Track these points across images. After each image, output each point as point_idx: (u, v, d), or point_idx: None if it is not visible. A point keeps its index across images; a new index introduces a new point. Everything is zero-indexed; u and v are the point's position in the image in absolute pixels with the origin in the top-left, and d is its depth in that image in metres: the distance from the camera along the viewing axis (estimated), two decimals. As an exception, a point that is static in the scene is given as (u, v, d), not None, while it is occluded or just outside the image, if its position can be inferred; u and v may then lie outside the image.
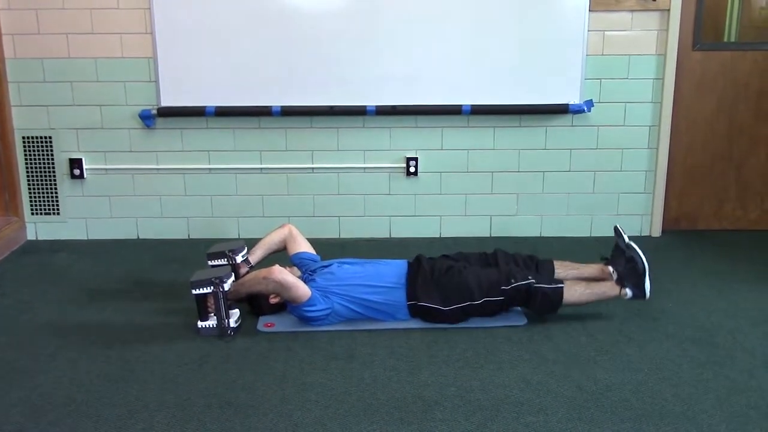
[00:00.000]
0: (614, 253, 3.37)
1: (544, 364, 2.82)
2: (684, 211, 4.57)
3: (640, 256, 3.21)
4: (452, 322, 3.17)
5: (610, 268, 3.33)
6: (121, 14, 4.10)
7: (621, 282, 3.22)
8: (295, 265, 3.45)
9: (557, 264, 3.41)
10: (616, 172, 4.39)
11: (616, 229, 3.41)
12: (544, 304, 3.16)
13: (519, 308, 3.30)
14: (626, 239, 3.32)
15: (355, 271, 3.27)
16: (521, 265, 3.34)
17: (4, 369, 2.80)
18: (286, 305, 3.19)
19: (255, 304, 3.24)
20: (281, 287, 3.05)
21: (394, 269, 3.27)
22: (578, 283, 3.24)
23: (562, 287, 3.16)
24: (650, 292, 3.18)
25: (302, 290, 3.06)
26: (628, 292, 3.18)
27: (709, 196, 4.55)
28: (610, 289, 3.22)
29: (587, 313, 3.28)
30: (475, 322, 3.17)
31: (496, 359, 2.86)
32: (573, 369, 2.78)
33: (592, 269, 3.41)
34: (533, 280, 3.14)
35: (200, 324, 3.09)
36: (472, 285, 3.15)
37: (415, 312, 3.18)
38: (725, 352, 2.93)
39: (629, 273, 3.22)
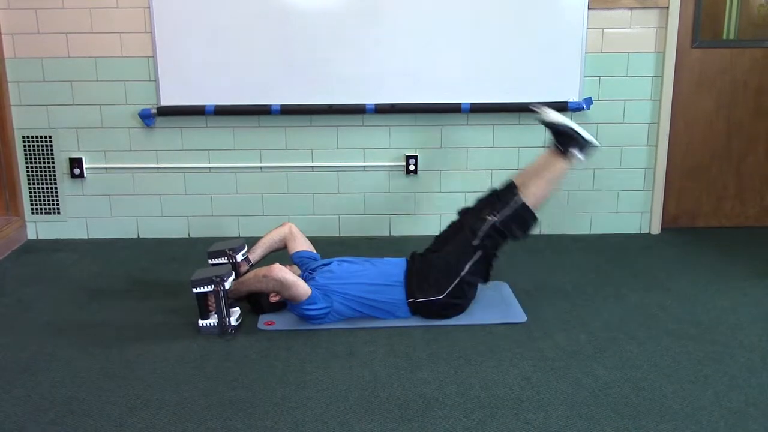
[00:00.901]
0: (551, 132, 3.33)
1: (543, 362, 2.82)
2: (683, 209, 4.57)
3: (560, 123, 3.20)
4: (455, 310, 3.18)
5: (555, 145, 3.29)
6: (120, 13, 4.11)
7: (563, 151, 3.20)
8: (295, 264, 3.46)
9: (517, 178, 3.34)
10: (615, 169, 4.40)
11: (532, 110, 3.34)
12: (520, 227, 3.16)
13: (519, 305, 3.32)
14: (543, 116, 3.27)
15: (355, 270, 3.28)
16: (484, 208, 3.27)
17: (4, 367, 2.80)
18: (287, 304, 3.20)
19: (255, 302, 3.24)
20: (281, 286, 3.06)
21: (394, 267, 3.28)
22: (533, 182, 3.20)
23: (522, 201, 3.15)
24: (592, 137, 3.20)
25: (302, 289, 3.07)
26: (576, 153, 3.18)
27: (708, 193, 4.55)
28: (559, 163, 3.21)
29: (586, 310, 3.30)
30: (474, 319, 3.18)
31: (496, 357, 2.87)
32: (573, 366, 2.78)
33: (544, 158, 3.33)
34: (494, 218, 3.13)
35: (201, 322, 3.09)
36: (451, 259, 3.16)
37: (416, 309, 3.18)
38: (724, 348, 2.94)
39: (564, 140, 3.21)
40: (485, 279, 3.26)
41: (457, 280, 3.14)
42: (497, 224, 3.13)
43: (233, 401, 2.55)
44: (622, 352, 2.91)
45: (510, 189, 3.29)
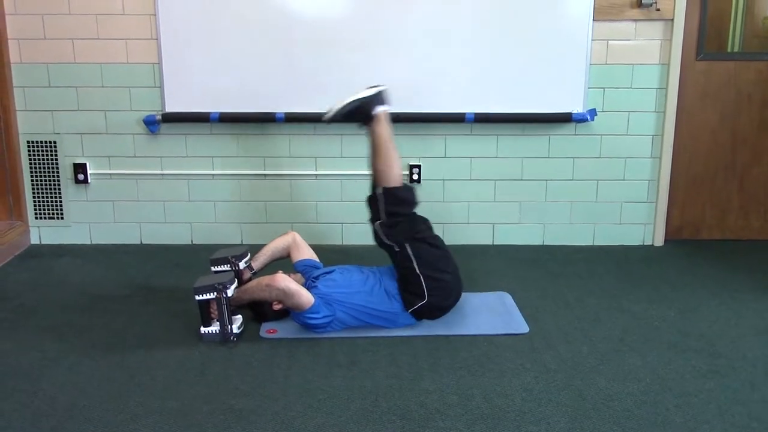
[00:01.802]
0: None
1: (545, 373, 2.82)
2: (687, 221, 4.57)
3: (344, 106, 3.20)
4: (447, 298, 3.23)
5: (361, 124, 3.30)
6: (126, 20, 4.12)
7: (370, 121, 3.21)
8: (298, 272, 3.45)
9: (371, 174, 3.35)
10: (619, 181, 4.39)
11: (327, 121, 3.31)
12: (400, 205, 3.21)
13: (521, 316, 3.31)
14: (329, 116, 3.24)
15: (357, 279, 3.28)
16: (372, 222, 3.32)
17: (6, 373, 2.81)
18: (290, 312, 3.20)
19: (258, 310, 3.24)
20: (284, 294, 3.06)
21: (393, 276, 3.28)
22: (377, 167, 3.23)
23: (381, 190, 3.21)
24: (373, 88, 3.21)
25: (305, 297, 3.06)
26: (378, 111, 3.19)
27: (711, 205, 4.55)
28: (378, 131, 3.21)
29: (589, 322, 3.29)
30: (476, 330, 3.18)
31: (498, 367, 2.86)
32: (575, 378, 2.78)
33: (373, 140, 3.28)
34: (377, 222, 3.22)
35: (203, 330, 3.09)
36: (401, 272, 3.20)
37: (418, 316, 3.21)
38: (727, 362, 2.93)
39: (362, 113, 3.21)
40: (437, 246, 3.25)
41: (421, 279, 3.16)
42: (385, 223, 3.19)
43: (234, 409, 2.54)
44: (625, 364, 2.90)
45: (372, 189, 3.32)
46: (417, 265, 3.16)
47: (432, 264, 3.19)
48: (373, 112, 3.21)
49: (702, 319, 3.36)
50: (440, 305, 3.23)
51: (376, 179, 3.26)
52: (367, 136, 3.31)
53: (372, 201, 3.31)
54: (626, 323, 3.30)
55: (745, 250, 4.40)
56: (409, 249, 3.17)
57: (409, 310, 3.18)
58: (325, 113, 3.27)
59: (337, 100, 3.25)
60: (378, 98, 3.22)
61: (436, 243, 3.26)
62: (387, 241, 3.20)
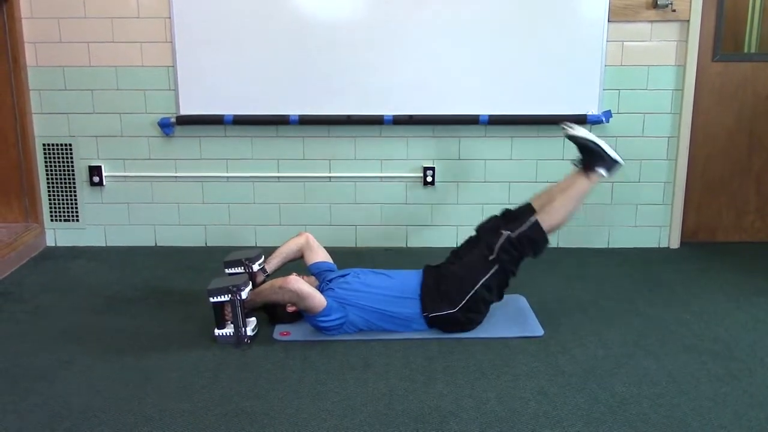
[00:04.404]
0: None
1: (560, 376, 2.80)
2: (703, 223, 4.53)
3: (587, 138, 3.20)
4: (469, 326, 3.17)
5: (580, 162, 3.30)
6: (141, 23, 4.14)
7: (588, 169, 3.21)
8: (313, 275, 3.45)
9: (535, 201, 3.35)
10: (634, 183, 4.37)
11: (559, 125, 3.33)
12: (531, 246, 3.14)
13: (536, 319, 3.30)
14: (569, 131, 3.26)
15: (371, 282, 3.27)
16: (501, 224, 3.27)
17: (22, 374, 2.82)
18: (303, 314, 3.20)
19: (273, 312, 3.24)
20: (297, 297, 3.06)
21: (410, 280, 3.26)
22: (552, 201, 3.20)
23: (536, 220, 3.14)
24: (618, 155, 3.22)
25: (318, 300, 3.06)
26: (601, 171, 3.19)
27: (728, 207, 4.51)
28: (583, 182, 3.20)
29: (604, 325, 3.27)
30: (491, 333, 3.17)
31: (513, 371, 2.84)
32: (590, 381, 2.76)
33: (569, 179, 3.29)
34: (508, 232, 3.13)
35: (217, 332, 3.09)
36: (465, 273, 3.15)
37: (432, 323, 3.17)
38: (744, 365, 2.90)
39: (590, 158, 3.21)
40: (499, 296, 3.24)
41: (472, 293, 3.12)
42: (512, 238, 3.12)
43: (248, 411, 2.54)
44: (640, 367, 2.88)
45: (527, 209, 3.30)
46: (482, 285, 3.13)
47: (487, 297, 3.17)
48: (597, 168, 3.21)
49: (718, 323, 3.33)
50: (461, 321, 3.17)
51: (542, 207, 3.23)
52: (574, 176, 3.27)
53: (519, 215, 3.26)
54: (642, 326, 3.27)
55: (761, 253, 4.36)
56: (493, 270, 3.13)
57: (429, 314, 3.15)
58: (568, 125, 3.31)
59: (583, 129, 3.29)
60: (608, 162, 3.22)
61: (503, 291, 3.24)
62: (494, 253, 3.13)
